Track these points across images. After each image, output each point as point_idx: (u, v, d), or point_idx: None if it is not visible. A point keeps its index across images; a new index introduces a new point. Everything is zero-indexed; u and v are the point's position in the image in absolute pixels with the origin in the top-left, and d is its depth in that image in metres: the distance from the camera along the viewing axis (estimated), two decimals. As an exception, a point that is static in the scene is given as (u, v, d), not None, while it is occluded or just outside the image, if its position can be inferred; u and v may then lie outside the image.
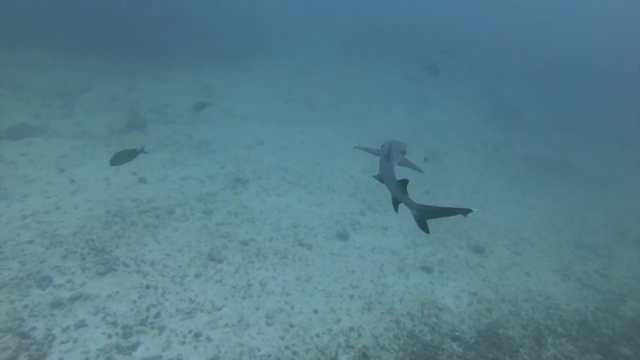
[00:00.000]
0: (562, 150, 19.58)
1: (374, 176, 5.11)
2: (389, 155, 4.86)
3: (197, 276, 7.36)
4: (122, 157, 7.13)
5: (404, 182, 4.34)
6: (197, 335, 6.17)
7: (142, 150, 7.18)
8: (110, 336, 5.85)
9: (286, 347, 6.35)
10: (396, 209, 4.61)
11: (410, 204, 4.35)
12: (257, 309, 6.97)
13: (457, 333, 7.51)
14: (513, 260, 10.22)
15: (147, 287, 6.87)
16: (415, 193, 12.86)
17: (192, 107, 12.63)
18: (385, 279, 8.50)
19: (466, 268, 9.45)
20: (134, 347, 5.78)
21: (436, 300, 8.22)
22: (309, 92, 20.93)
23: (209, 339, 6.16)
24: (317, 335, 6.73)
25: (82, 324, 5.94)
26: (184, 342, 6.02)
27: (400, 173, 4.78)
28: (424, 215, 4.30)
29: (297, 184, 11.73)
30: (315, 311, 7.23)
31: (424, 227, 4.37)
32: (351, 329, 7.03)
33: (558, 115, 25.27)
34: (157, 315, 6.38)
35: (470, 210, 3.84)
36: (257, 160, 12.71)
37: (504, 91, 27.05)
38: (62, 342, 5.61)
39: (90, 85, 16.29)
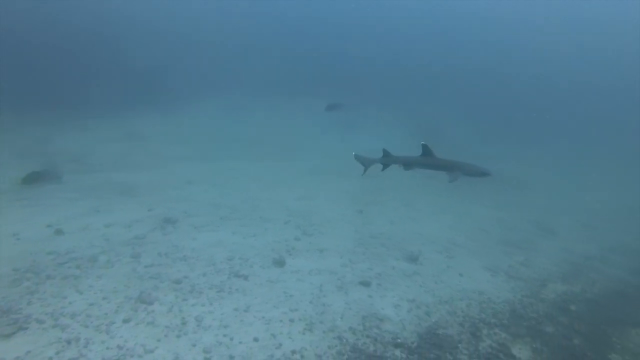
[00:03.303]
0: (485, 160, 20.88)
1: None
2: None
3: (125, 321, 6.96)
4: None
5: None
6: (129, 382, 5.81)
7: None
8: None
9: (227, 380, 6.13)
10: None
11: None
12: (194, 345, 6.69)
13: (399, 340, 7.62)
14: (446, 264, 10.63)
15: (68, 341, 6.38)
16: (350, 211, 13.16)
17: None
18: (324, 298, 8.50)
19: (403, 277, 9.69)
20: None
21: (376, 312, 8.32)
22: (239, 129, 21.06)
23: (142, 384, 5.81)
24: (259, 363, 6.57)
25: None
26: (114, 391, 5.64)
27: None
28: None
29: (230, 218, 11.60)
30: (256, 339, 7.06)
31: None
32: (293, 352, 6.92)
33: (481, 130, 26.96)
34: (82, 368, 5.95)
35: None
36: (186, 199, 12.47)
37: (425, 113, 28.62)
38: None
39: (4, 139, 15.36)
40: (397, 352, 7.33)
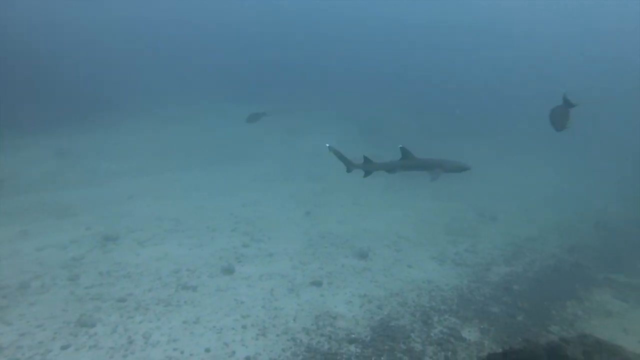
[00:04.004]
0: (429, 154, 21.48)
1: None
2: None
3: (64, 348, 6.54)
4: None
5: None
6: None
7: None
8: None
9: (178, 395, 5.91)
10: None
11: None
12: (142, 363, 6.41)
13: (353, 335, 7.67)
14: (395, 257, 10.85)
15: (-2, 377, 5.93)
16: (297, 214, 13.14)
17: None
18: (276, 302, 8.42)
19: (353, 274, 9.78)
20: None
21: (329, 310, 8.34)
22: (180, 139, 20.50)
23: (86, 410, 5.48)
24: (212, 374, 6.40)
25: None
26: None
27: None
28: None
29: (175, 230, 11.25)
30: (208, 350, 6.87)
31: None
32: (247, 358, 6.80)
33: (423, 125, 27.56)
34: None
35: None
36: (128, 215, 11.96)
37: (367, 112, 29.07)
38: None
39: None
40: (352, 348, 7.38)
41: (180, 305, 7.95)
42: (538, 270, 11.09)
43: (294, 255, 10.36)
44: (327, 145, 8.58)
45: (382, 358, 7.17)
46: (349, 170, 8.62)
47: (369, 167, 8.44)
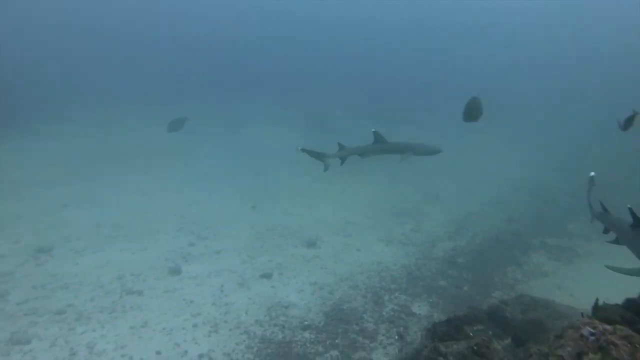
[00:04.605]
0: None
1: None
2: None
3: (-3, 368, 6.10)
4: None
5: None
6: None
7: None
8: None
9: (129, 401, 5.68)
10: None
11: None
12: (86, 375, 6.09)
13: (306, 322, 7.70)
14: (344, 242, 10.99)
15: None
16: (243, 209, 12.94)
17: None
18: (227, 298, 8.29)
19: (303, 263, 9.81)
20: None
21: (281, 300, 8.31)
22: (117, 143, 19.57)
23: None
24: (164, 376, 6.20)
25: None
26: None
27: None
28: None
29: (116, 235, 10.75)
30: (158, 352, 6.64)
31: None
32: (200, 356, 6.65)
33: (369, 111, 27.79)
34: None
35: None
36: (62, 224, 11.26)
37: (312, 104, 29.08)
38: None
39: None
40: (306, 334, 7.40)
41: (126, 311, 7.62)
42: (480, 242, 11.63)
43: (242, 250, 10.23)
44: (299, 148, 8.51)
45: (337, 341, 7.25)
46: (326, 169, 8.52)
47: (343, 153, 8.44)
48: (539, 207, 14.84)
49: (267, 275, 9.10)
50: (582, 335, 2.48)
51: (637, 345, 2.27)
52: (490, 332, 5.73)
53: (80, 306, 7.70)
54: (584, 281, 9.50)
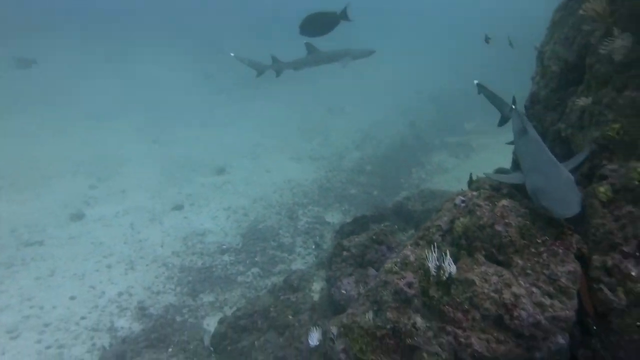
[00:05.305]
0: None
1: None
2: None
3: None
4: None
5: None
6: None
7: None
8: None
9: (47, 347, 5.53)
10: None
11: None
12: (-7, 332, 5.76)
13: (224, 246, 7.80)
14: (254, 165, 10.99)
15: None
16: (143, 145, 12.20)
17: None
18: (139, 234, 8.06)
19: (214, 190, 9.72)
20: None
21: (195, 229, 8.27)
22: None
23: None
24: (83, 318, 6.06)
25: None
26: None
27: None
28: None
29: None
30: (72, 297, 6.41)
31: None
32: (120, 294, 6.55)
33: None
34: None
35: None
36: None
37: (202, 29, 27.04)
38: None
39: None
40: (225, 257, 7.52)
41: (27, 263, 7.15)
42: (386, 149, 12.24)
43: (149, 185, 9.83)
44: (232, 54, 7.94)
45: (256, 259, 7.48)
46: (259, 74, 8.14)
47: (279, 66, 8.08)
48: (438, 110, 15.72)
49: (178, 207, 8.93)
50: (455, 205, 2.78)
51: (497, 203, 2.61)
52: (396, 226, 6.24)
53: (-29, 267, 7.08)
54: (479, 171, 10.44)
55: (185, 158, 11.31)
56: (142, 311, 6.23)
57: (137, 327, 5.92)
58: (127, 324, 5.99)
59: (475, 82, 3.98)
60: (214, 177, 10.27)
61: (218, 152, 11.67)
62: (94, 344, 5.62)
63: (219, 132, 13.29)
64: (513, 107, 3.45)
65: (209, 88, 17.91)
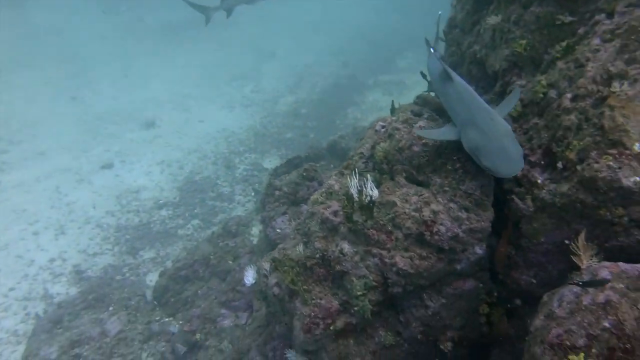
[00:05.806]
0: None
1: None
2: None
3: None
4: None
5: None
6: None
7: None
8: None
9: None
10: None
11: None
12: None
13: (161, 201, 7.56)
14: (185, 117, 10.52)
15: None
16: (58, 103, 11.24)
17: None
18: (66, 197, 7.63)
19: (145, 145, 9.27)
20: None
21: (129, 187, 7.93)
22: None
23: None
24: (12, 290, 5.78)
25: None
26: None
27: None
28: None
29: None
30: (-4, 274, 6.06)
31: None
32: (52, 260, 6.27)
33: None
34: None
35: None
36: None
37: None
38: None
39: None
40: (163, 212, 7.31)
41: None
42: (320, 91, 12.07)
43: (72, 145, 9.20)
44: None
45: (196, 210, 7.33)
46: (207, 21, 7.56)
47: (229, 3, 7.57)
48: (371, 50, 15.52)
49: (108, 166, 8.48)
50: (376, 131, 2.79)
51: (414, 125, 2.64)
52: (332, 165, 6.28)
53: None
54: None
55: (110, 114, 10.60)
56: (78, 275, 6.02)
57: (74, 291, 5.73)
58: (63, 290, 5.78)
59: (440, 12, 3.75)
60: (143, 132, 9.77)
61: (145, 105, 11.03)
62: (27, 314, 5.41)
63: (144, 84, 12.49)
64: (432, 49, 3.06)
65: (125, 45, 16.25)
